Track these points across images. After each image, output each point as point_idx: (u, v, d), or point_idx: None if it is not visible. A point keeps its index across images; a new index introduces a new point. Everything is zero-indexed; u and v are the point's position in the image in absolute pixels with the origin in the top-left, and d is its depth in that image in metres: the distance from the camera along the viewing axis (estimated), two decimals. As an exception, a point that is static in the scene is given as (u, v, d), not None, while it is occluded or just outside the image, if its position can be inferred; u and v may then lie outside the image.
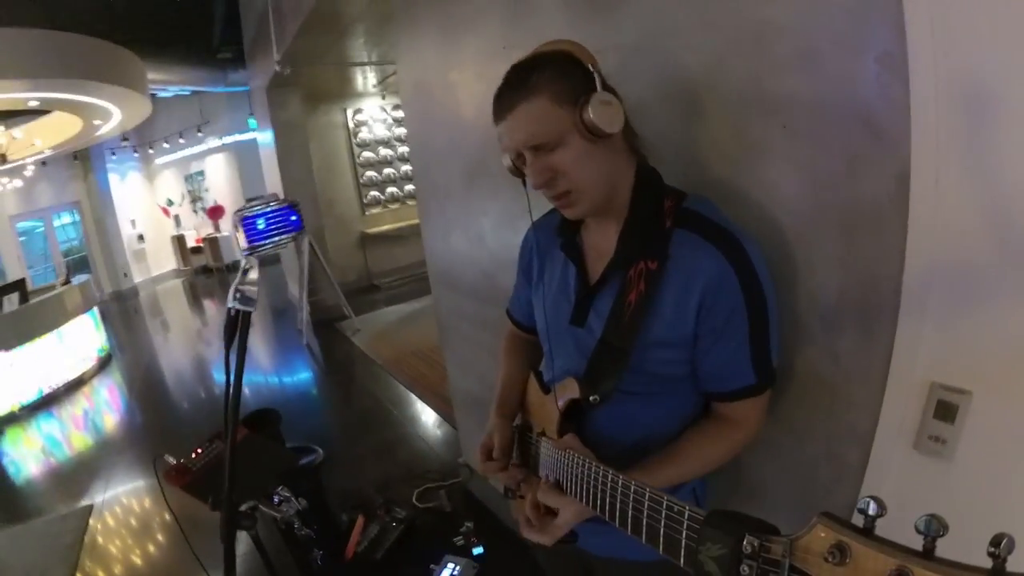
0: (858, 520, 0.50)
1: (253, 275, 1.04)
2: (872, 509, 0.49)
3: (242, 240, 1.04)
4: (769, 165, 1.08)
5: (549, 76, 0.92)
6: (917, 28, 0.81)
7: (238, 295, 1.03)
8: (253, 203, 1.10)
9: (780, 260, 1.06)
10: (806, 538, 0.53)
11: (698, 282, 0.92)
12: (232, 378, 1.04)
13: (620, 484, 0.81)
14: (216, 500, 1.06)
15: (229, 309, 1.04)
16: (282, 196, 7.00)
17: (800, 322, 1.08)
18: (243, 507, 1.08)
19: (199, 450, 1.69)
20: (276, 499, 1.73)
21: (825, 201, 1.00)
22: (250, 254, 1.05)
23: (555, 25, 1.55)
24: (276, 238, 1.06)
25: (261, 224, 1.01)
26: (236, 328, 1.03)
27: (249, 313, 1.04)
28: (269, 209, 1.06)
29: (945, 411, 0.89)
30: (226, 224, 11.91)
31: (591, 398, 0.98)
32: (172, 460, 1.61)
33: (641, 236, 0.98)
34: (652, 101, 1.27)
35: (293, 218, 1.11)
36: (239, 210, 1.09)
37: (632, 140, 1.02)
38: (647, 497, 0.76)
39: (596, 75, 0.92)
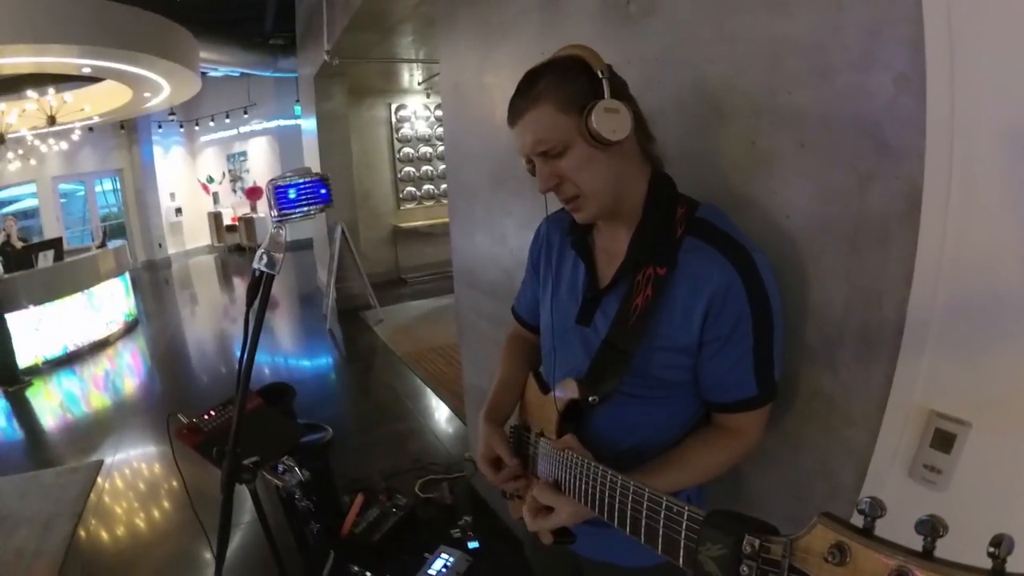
0: (858, 520, 0.50)
1: (281, 241, 1.08)
2: (872, 509, 0.49)
3: (273, 207, 1.09)
4: (780, 178, 1.09)
5: (556, 83, 0.93)
6: (936, 49, 0.81)
7: (264, 258, 1.07)
8: (286, 174, 1.15)
9: (786, 272, 1.06)
10: (806, 538, 0.52)
11: (705, 290, 0.93)
12: (250, 334, 1.08)
13: (619, 484, 0.81)
14: (220, 452, 1.11)
15: (254, 270, 1.08)
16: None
17: (801, 333, 1.08)
18: (246, 461, 1.12)
19: (212, 412, 1.73)
20: (280, 468, 1.78)
21: (834, 217, 1.00)
22: (280, 221, 1.09)
23: (585, 35, 1.59)
24: (305, 208, 1.11)
25: (292, 194, 1.06)
26: (259, 288, 1.07)
27: (272, 276, 1.08)
28: (301, 181, 1.11)
29: (942, 440, 0.87)
30: (264, 204, 12.16)
31: (590, 399, 0.98)
32: (184, 419, 1.66)
33: (652, 242, 0.99)
34: (671, 111, 1.30)
35: (323, 191, 1.15)
36: (272, 179, 1.14)
37: (647, 145, 1.03)
38: (646, 497, 0.76)
39: (605, 81, 0.92)
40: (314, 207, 1.12)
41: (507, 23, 2.07)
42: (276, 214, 1.10)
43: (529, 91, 0.95)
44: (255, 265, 1.07)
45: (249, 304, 1.07)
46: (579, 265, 1.10)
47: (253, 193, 12.58)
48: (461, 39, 2.50)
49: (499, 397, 1.25)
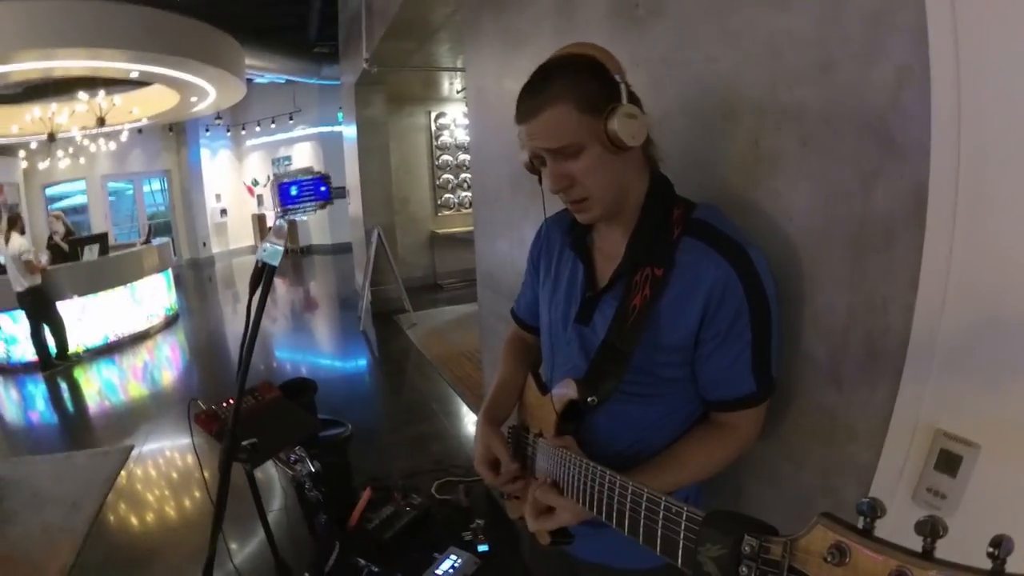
0: (858, 521, 0.50)
1: (284, 232, 1.11)
2: (871, 510, 0.49)
3: (276, 203, 1.15)
4: (783, 178, 1.06)
5: (575, 82, 0.91)
6: (940, 38, 0.76)
7: (265, 250, 1.10)
8: (289, 172, 1.23)
9: (788, 277, 1.04)
10: (805, 539, 0.52)
11: (702, 288, 0.92)
12: (251, 321, 1.10)
13: (618, 485, 0.81)
14: (220, 431, 1.13)
15: (257, 261, 1.11)
16: (351, 184, 7.23)
17: (803, 343, 1.05)
18: (245, 443, 1.14)
19: (231, 400, 1.76)
20: (292, 458, 1.81)
21: (837, 218, 0.97)
22: (283, 216, 1.15)
23: (597, 38, 1.55)
24: (307, 204, 1.17)
25: (294, 191, 1.12)
26: (260, 278, 1.09)
27: (273, 268, 1.10)
28: (302, 179, 1.18)
29: (947, 462, 0.81)
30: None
31: (589, 399, 0.98)
32: (203, 406, 1.70)
33: (649, 243, 0.98)
34: (677, 112, 1.28)
35: (323, 188, 1.22)
36: (276, 176, 1.21)
37: (648, 149, 1.02)
38: (645, 497, 0.75)
39: (623, 85, 0.91)
40: (314, 203, 1.15)
41: (525, 29, 2.09)
42: (279, 210, 1.13)
43: (545, 89, 0.93)
44: (257, 256, 1.10)
45: (252, 292, 1.09)
46: (578, 265, 1.10)
47: (296, 196, 12.83)
48: (484, 45, 2.53)
49: (498, 397, 1.24)
